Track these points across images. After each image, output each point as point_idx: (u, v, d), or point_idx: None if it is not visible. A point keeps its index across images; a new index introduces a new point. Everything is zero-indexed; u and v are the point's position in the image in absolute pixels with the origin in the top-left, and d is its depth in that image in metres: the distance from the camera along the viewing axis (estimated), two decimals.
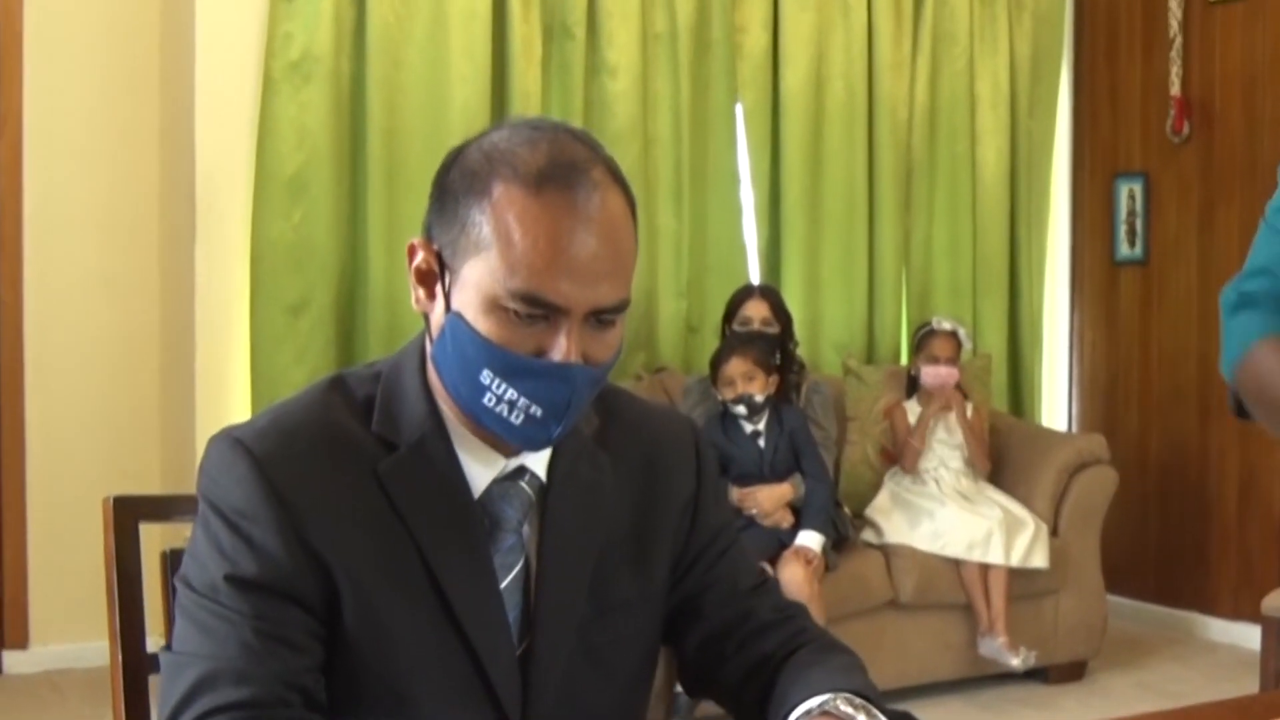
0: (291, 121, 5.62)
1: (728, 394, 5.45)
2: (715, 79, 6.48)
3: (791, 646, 1.81)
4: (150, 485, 6.02)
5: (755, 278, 6.51)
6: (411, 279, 1.67)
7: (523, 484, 1.70)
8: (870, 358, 6.75)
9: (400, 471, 1.64)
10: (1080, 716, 5.51)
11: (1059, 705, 5.69)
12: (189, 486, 5.74)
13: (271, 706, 1.52)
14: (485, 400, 1.60)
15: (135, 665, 1.86)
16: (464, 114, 5.86)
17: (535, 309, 1.56)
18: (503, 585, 1.68)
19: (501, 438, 1.65)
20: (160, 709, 1.56)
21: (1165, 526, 6.94)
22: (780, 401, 5.60)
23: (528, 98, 5.98)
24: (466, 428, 1.67)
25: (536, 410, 1.59)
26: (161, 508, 2.00)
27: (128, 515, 1.88)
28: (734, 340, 5.62)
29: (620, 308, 1.61)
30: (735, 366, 5.44)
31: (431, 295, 1.65)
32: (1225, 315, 2.56)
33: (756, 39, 6.54)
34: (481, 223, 1.57)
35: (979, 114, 7.06)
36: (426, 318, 1.68)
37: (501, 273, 1.55)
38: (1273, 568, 6.11)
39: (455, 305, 1.60)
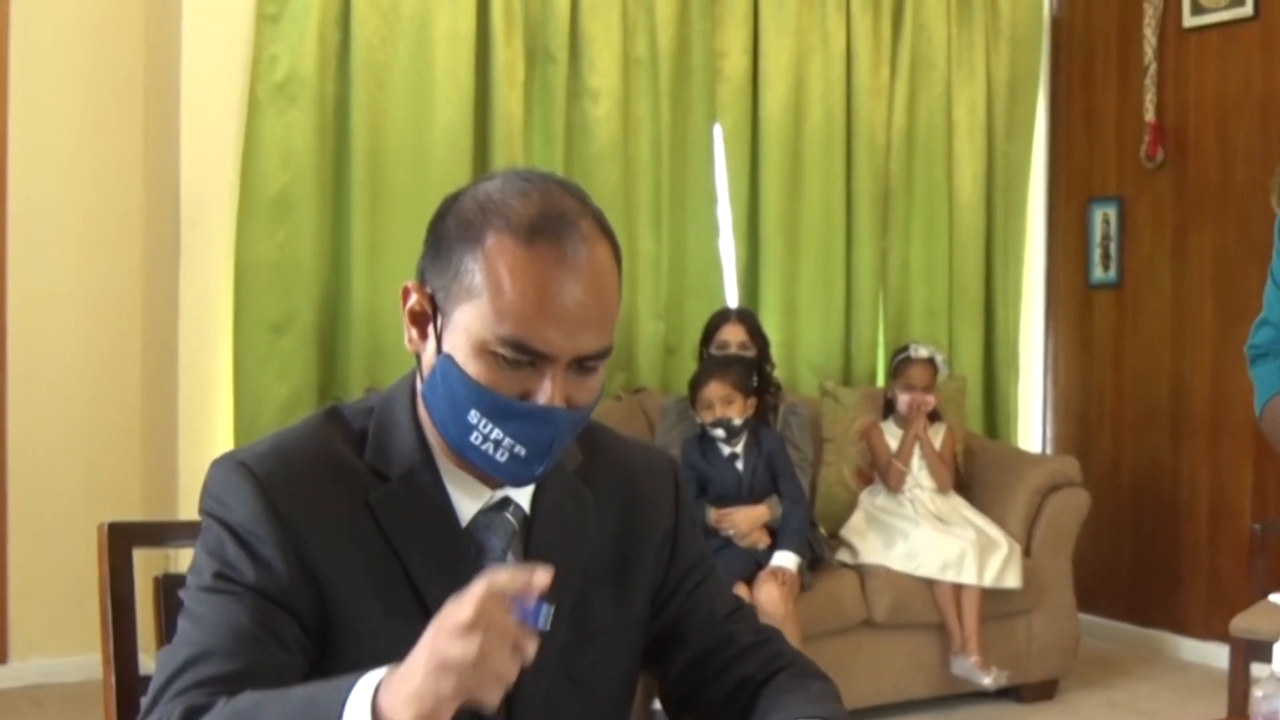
0: (276, 142, 5.68)
1: (706, 417, 5.51)
2: (695, 103, 6.55)
3: (770, 670, 1.90)
4: (131, 502, 6.06)
5: (733, 300, 6.58)
6: (405, 319, 1.75)
7: (507, 515, 1.79)
8: (847, 379, 6.81)
9: (391, 501, 1.72)
10: None
11: None
12: (171, 504, 5.75)
13: (257, 684, 1.58)
14: (472, 438, 1.68)
15: (128, 687, 1.92)
16: (447, 136, 5.92)
17: (522, 355, 1.64)
18: None
19: (487, 474, 1.73)
20: (149, 690, 1.62)
21: (1137, 546, 7.01)
22: (758, 424, 5.66)
23: (510, 120, 6.04)
24: (453, 461, 1.76)
25: (520, 450, 1.67)
26: (155, 534, 2.05)
27: (122, 540, 1.94)
28: (712, 364, 5.67)
29: (603, 355, 1.69)
30: (713, 390, 5.50)
31: (424, 336, 1.73)
32: (1250, 366, 3.01)
33: (736, 64, 6.61)
34: (474, 270, 1.64)
35: (956, 138, 7.14)
36: (418, 357, 1.75)
37: (491, 319, 1.63)
38: (1243, 588, 6.16)
39: (446, 347, 1.68)
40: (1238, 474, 6.56)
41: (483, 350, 1.65)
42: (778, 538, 5.51)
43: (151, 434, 6.07)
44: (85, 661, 5.77)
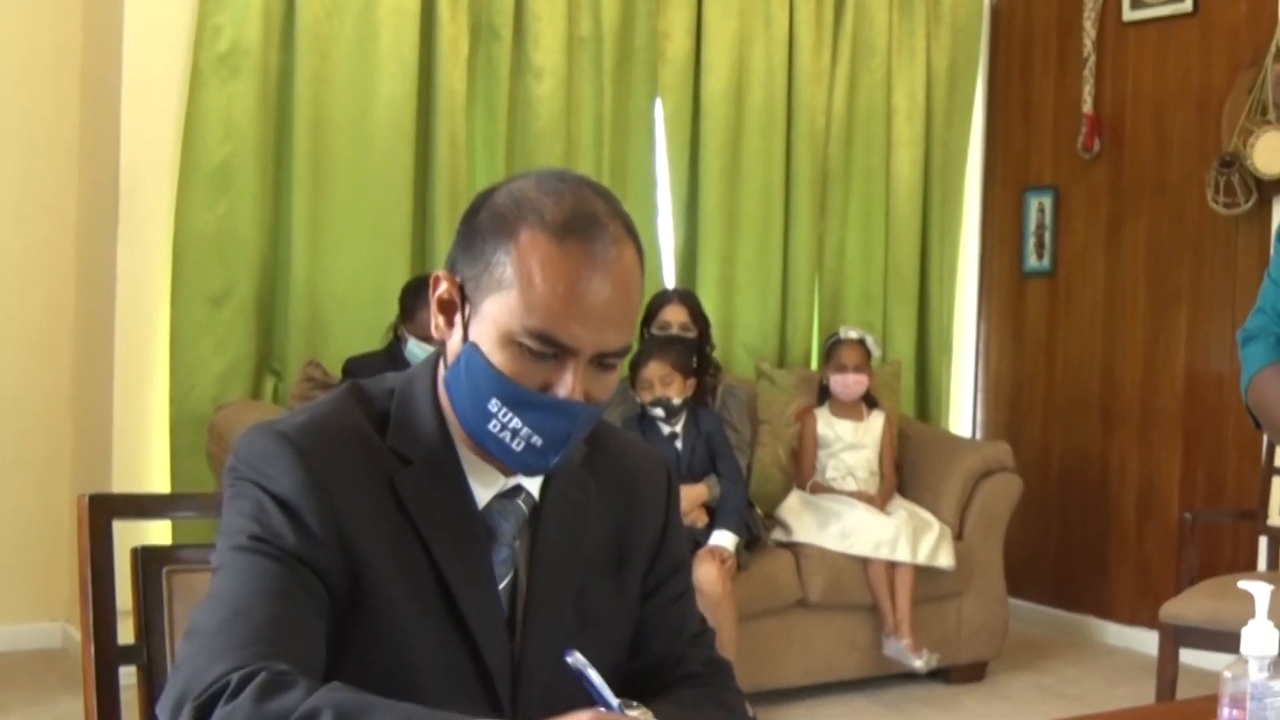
0: (219, 113, 5.64)
1: (646, 396, 5.53)
2: (638, 83, 6.56)
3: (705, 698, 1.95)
4: (61, 472, 6.03)
5: (670, 280, 6.60)
6: (433, 307, 1.79)
7: (519, 501, 1.83)
8: (782, 361, 6.85)
9: (413, 483, 1.76)
10: (981, 716, 5.63)
11: (960, 705, 5.81)
12: (104, 475, 5.69)
13: (295, 640, 1.60)
14: (491, 426, 1.72)
15: (107, 658, 1.92)
16: (390, 110, 5.91)
17: (547, 347, 1.69)
18: None
19: (502, 462, 1.77)
20: (187, 642, 1.61)
21: (1066, 532, 7.10)
22: (697, 404, 5.69)
23: (453, 96, 6.02)
24: (470, 448, 1.79)
25: (537, 440, 1.72)
26: (135, 506, 2.04)
27: (102, 513, 1.93)
28: (652, 344, 5.69)
29: (624, 353, 1.75)
30: (653, 370, 5.52)
31: (450, 324, 1.78)
32: (1240, 349, 3.17)
33: (679, 45, 6.62)
34: (506, 263, 1.69)
35: (895, 124, 7.18)
36: (443, 344, 1.80)
37: (520, 311, 1.68)
38: (1170, 575, 6.26)
39: (472, 336, 1.73)
40: (1166, 463, 6.65)
41: (509, 341, 1.69)
42: (716, 517, 5.55)
43: (84, 404, 6.02)
44: (19, 630, 5.76)
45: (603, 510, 1.91)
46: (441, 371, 1.81)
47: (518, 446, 1.72)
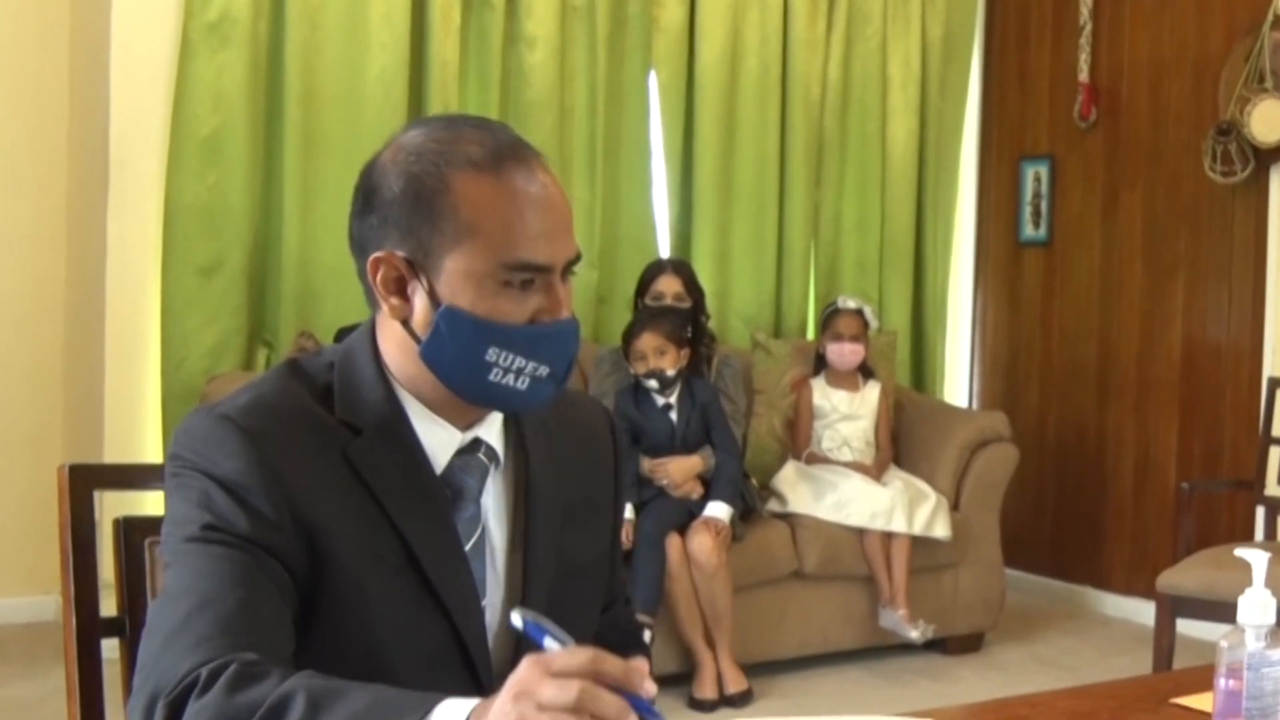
0: (208, 84, 5.61)
1: (639, 368, 5.51)
2: (631, 52, 6.52)
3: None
4: (52, 446, 6.00)
5: (665, 250, 6.57)
6: (379, 292, 1.76)
7: (480, 455, 1.81)
8: (778, 331, 6.82)
9: (367, 452, 1.73)
10: (977, 687, 5.62)
11: (956, 675, 5.80)
12: (96, 447, 5.69)
13: (261, 627, 1.58)
14: (492, 376, 1.71)
15: (89, 629, 1.90)
16: (381, 81, 5.87)
17: (527, 273, 1.70)
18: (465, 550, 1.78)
19: (507, 407, 1.78)
20: (149, 640, 1.58)
21: (1062, 503, 7.08)
22: (691, 375, 5.66)
23: (445, 66, 5.99)
24: (425, 406, 1.77)
25: (543, 370, 1.73)
26: (118, 476, 2.02)
27: (83, 483, 1.91)
28: (646, 315, 5.67)
29: (579, 257, 1.79)
30: (647, 341, 5.49)
31: (406, 299, 1.74)
32: None
33: (673, 14, 6.57)
34: (452, 215, 1.69)
35: (890, 93, 7.14)
36: (405, 323, 1.75)
37: (488, 251, 1.68)
38: (1166, 545, 6.25)
39: (445, 299, 1.70)
40: (1163, 433, 6.63)
41: (487, 284, 1.69)
42: (711, 488, 5.53)
43: (75, 377, 6.00)
44: (7, 603, 5.74)
45: (570, 455, 1.91)
46: (389, 347, 1.78)
47: (523, 385, 1.72)
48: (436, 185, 1.69)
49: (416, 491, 1.74)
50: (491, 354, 1.69)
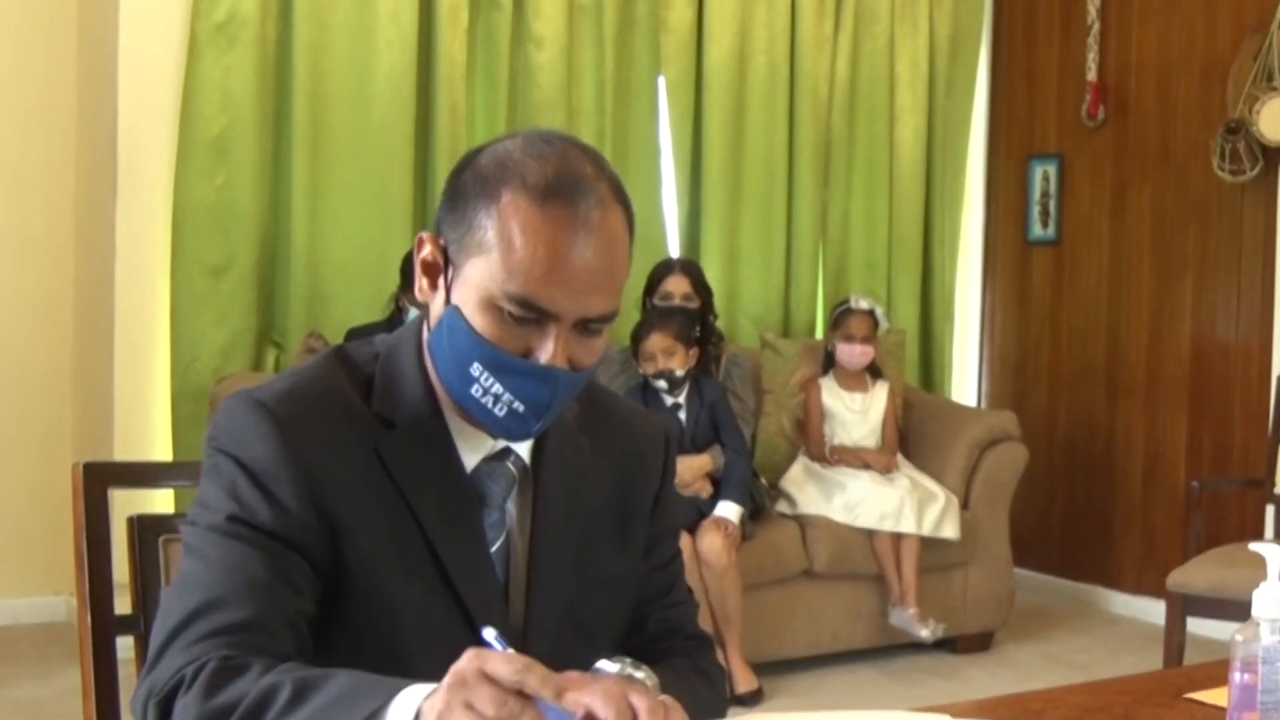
0: (216, 84, 5.62)
1: (648, 368, 5.51)
2: (639, 52, 6.52)
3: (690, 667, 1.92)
4: (62, 446, 6.00)
5: (674, 250, 6.57)
6: (417, 269, 1.75)
7: (508, 464, 1.80)
8: (786, 331, 6.82)
9: (399, 448, 1.72)
10: (987, 685, 5.61)
11: (967, 674, 5.79)
12: (106, 446, 5.69)
13: (270, 634, 1.57)
14: (473, 390, 1.69)
15: (104, 627, 1.90)
16: (389, 80, 5.87)
17: (528, 313, 1.65)
18: None
19: (484, 427, 1.74)
20: (155, 634, 1.60)
21: (1072, 502, 7.07)
22: (700, 374, 5.66)
23: (453, 66, 5.99)
24: (455, 411, 1.76)
25: (519, 406, 1.69)
26: (131, 474, 2.02)
27: (97, 481, 1.90)
28: (654, 315, 5.67)
29: (608, 318, 1.70)
30: (656, 342, 5.49)
31: (434, 286, 1.74)
32: None
33: (681, 14, 6.57)
34: (487, 225, 1.65)
35: (898, 93, 7.14)
36: (427, 307, 1.76)
37: (501, 275, 1.64)
38: (1176, 544, 6.24)
39: (455, 299, 1.69)
40: (1172, 432, 6.62)
41: (490, 305, 1.66)
42: (720, 488, 5.53)
43: (85, 377, 6.00)
44: (17, 604, 5.77)
45: (603, 470, 1.88)
46: (425, 334, 1.78)
47: (500, 411, 1.69)
48: (491, 193, 1.66)
49: (442, 490, 1.74)
50: (475, 369, 1.67)
